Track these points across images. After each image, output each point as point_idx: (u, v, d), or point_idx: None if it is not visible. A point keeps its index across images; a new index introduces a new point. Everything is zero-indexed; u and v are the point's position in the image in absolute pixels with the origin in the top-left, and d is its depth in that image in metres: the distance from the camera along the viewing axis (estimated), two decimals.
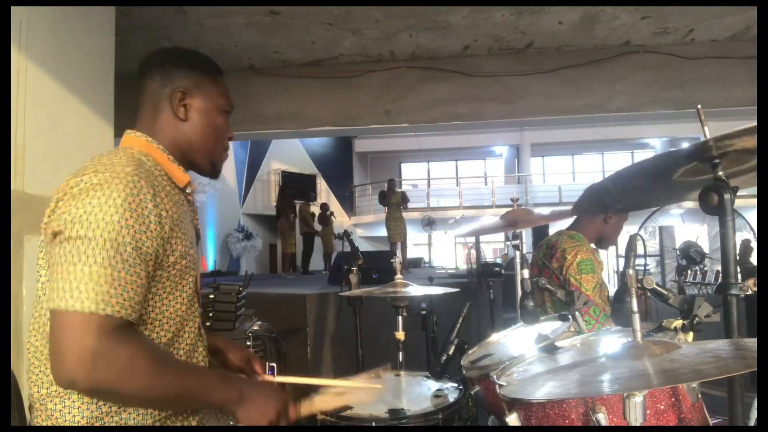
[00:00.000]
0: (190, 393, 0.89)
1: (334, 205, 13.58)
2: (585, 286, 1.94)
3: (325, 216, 9.80)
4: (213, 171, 1.14)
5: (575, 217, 2.11)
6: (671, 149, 0.91)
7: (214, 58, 1.16)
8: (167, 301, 0.97)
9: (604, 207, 1.35)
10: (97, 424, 0.89)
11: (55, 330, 0.82)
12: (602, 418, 0.90)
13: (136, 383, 0.83)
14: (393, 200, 7.91)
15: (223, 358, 1.24)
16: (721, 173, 0.92)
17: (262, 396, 0.97)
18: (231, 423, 1.11)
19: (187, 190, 1.08)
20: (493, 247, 14.39)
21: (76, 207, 0.86)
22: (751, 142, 0.86)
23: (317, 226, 9.64)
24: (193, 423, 1.00)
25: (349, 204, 15.10)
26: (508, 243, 1.99)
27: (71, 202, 0.87)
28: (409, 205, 8.28)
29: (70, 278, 0.82)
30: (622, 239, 1.91)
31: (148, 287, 0.91)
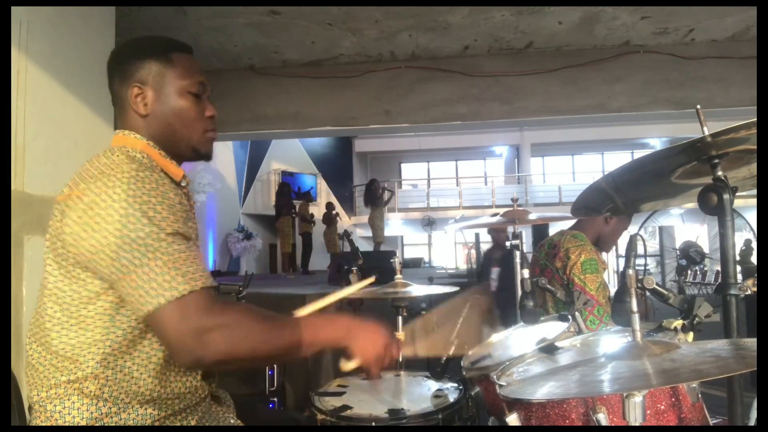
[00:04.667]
0: (302, 339, 0.92)
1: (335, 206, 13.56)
2: (589, 286, 1.94)
3: (330, 216, 9.74)
4: (199, 155, 1.10)
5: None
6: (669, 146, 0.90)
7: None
8: None
9: (603, 206, 1.36)
10: (97, 425, 0.89)
11: (163, 326, 0.84)
12: (602, 418, 0.90)
13: (252, 344, 0.87)
14: (384, 200, 8.01)
15: None
16: (720, 173, 0.92)
17: (368, 331, 1.00)
18: (232, 422, 1.12)
19: (182, 184, 1.07)
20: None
21: (104, 219, 0.85)
22: (750, 144, 0.86)
23: (318, 227, 9.61)
24: (192, 423, 1.00)
25: (349, 204, 15.10)
26: (508, 243, 1.98)
27: (94, 210, 0.86)
28: (410, 205, 8.36)
29: (150, 277, 0.84)
30: (622, 239, 1.91)
31: (201, 256, 0.94)
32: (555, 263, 2.05)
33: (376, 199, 8.12)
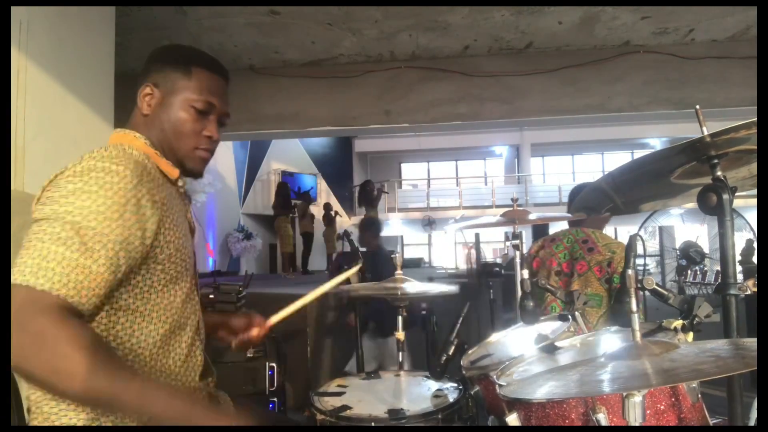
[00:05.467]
0: (127, 397, 0.78)
1: (334, 205, 13.58)
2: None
3: (330, 216, 9.77)
4: (184, 170, 1.07)
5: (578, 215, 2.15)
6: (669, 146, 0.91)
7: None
8: (163, 294, 0.96)
9: (603, 206, 1.37)
10: (96, 425, 0.89)
11: (9, 307, 0.76)
12: (602, 418, 0.90)
13: (69, 376, 0.73)
14: (377, 202, 8.07)
15: (227, 329, 1.24)
16: (719, 173, 0.92)
17: (211, 421, 0.83)
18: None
19: (179, 183, 1.07)
20: (493, 247, 14.39)
21: (53, 192, 0.87)
22: (750, 144, 0.86)
23: (321, 226, 9.62)
24: None
25: (349, 204, 15.09)
26: (508, 243, 1.99)
27: (51, 188, 0.88)
28: (410, 205, 8.41)
29: (24, 254, 0.80)
30: (623, 239, 1.93)
31: (115, 279, 0.85)
32: (594, 257, 2.09)
33: (371, 200, 8.16)
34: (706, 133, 0.84)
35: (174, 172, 1.06)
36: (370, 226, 3.96)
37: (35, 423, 0.91)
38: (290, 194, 9.18)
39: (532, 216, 2.06)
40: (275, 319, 1.26)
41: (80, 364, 0.74)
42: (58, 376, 0.74)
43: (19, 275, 0.78)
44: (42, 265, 0.78)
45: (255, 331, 1.23)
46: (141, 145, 1.02)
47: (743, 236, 8.59)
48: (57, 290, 0.78)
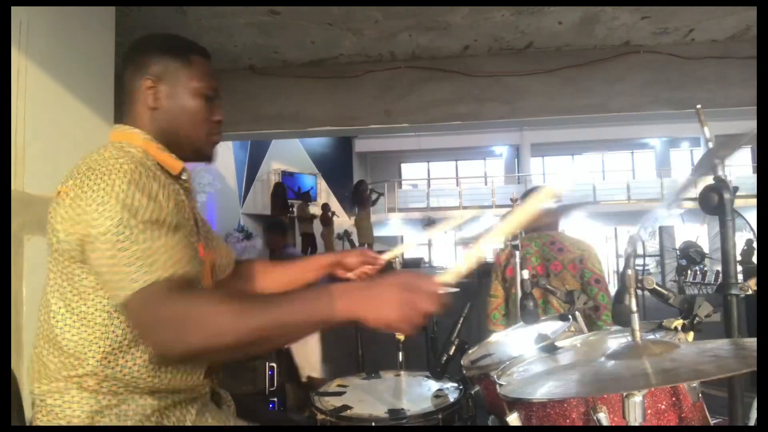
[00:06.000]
0: (279, 319, 0.81)
1: (334, 206, 13.57)
2: (603, 273, 2.20)
3: (327, 216, 9.75)
4: (200, 156, 1.10)
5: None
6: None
7: (214, 58, 1.14)
8: None
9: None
10: (97, 418, 0.90)
11: (131, 317, 0.86)
12: (603, 418, 0.90)
13: (210, 334, 0.79)
14: (372, 202, 8.05)
15: (342, 266, 1.32)
16: (720, 172, 0.92)
17: (375, 294, 0.82)
18: (231, 420, 1.11)
19: (183, 177, 1.07)
20: (493, 247, 14.38)
21: (76, 216, 0.87)
22: None
23: (318, 227, 9.61)
24: (192, 411, 1.00)
25: (349, 204, 15.09)
26: (508, 243, 1.99)
27: (78, 203, 0.87)
28: (410, 205, 8.37)
29: (119, 269, 0.83)
30: (622, 239, 1.96)
31: (185, 246, 0.90)
32: (566, 255, 2.20)
33: (363, 200, 8.10)
34: (707, 133, 0.84)
35: (177, 166, 1.05)
36: (273, 229, 4.33)
37: (39, 415, 0.93)
38: (287, 194, 9.15)
39: None
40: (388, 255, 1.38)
41: (229, 316, 0.80)
42: (220, 336, 0.79)
43: (130, 283, 0.82)
44: (144, 262, 0.83)
45: (368, 267, 1.33)
46: (141, 141, 1.02)
47: (743, 236, 8.59)
48: (160, 276, 0.83)
